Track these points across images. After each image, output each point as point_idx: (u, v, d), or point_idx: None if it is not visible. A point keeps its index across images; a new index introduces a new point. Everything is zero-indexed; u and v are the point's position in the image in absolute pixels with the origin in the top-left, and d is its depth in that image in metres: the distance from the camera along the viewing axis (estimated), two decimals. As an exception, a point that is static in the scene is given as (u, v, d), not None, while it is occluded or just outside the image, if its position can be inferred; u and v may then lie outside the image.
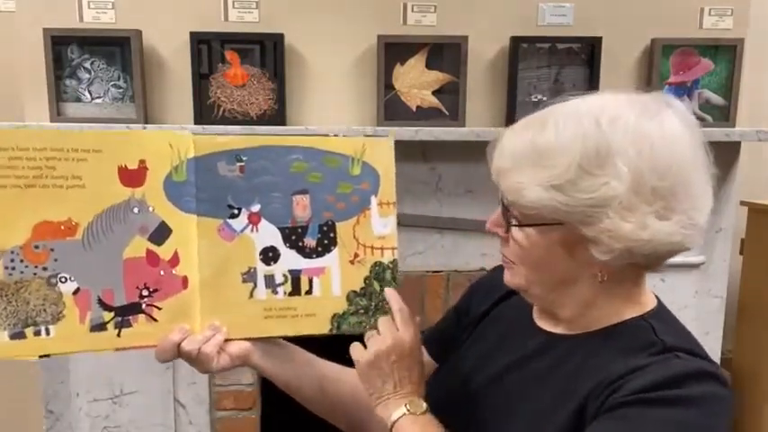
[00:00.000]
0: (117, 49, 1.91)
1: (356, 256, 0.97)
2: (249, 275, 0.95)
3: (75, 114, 1.91)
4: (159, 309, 0.93)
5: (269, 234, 0.95)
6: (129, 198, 0.91)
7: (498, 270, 1.02)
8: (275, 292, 0.96)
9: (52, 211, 0.88)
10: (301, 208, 0.95)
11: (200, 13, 1.94)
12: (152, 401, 2.07)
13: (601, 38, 2.00)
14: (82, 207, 0.89)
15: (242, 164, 0.93)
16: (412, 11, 1.99)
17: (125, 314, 0.92)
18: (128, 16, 1.92)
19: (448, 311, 1.11)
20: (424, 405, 0.87)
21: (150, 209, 0.91)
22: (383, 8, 1.99)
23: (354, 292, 0.97)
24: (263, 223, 0.95)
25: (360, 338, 0.93)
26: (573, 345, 0.85)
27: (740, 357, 2.47)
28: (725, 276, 2.21)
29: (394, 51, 1.95)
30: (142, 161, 0.91)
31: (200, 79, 1.92)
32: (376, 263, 0.97)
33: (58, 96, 1.90)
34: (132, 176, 0.91)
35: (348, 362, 0.94)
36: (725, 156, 2.02)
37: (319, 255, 0.96)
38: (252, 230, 0.95)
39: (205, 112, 1.92)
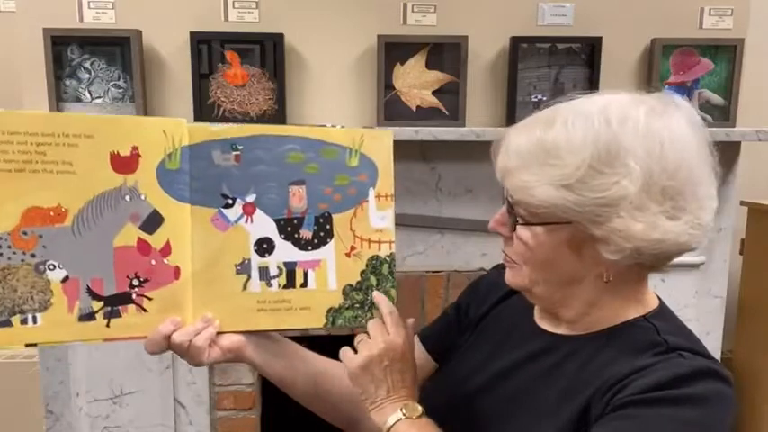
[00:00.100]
0: (117, 49, 1.91)
1: (353, 249, 0.95)
2: (243, 267, 0.93)
3: (75, 114, 1.91)
4: (150, 299, 0.90)
5: (264, 225, 0.93)
6: (121, 185, 0.89)
7: (498, 269, 1.02)
8: (269, 285, 0.94)
9: (42, 196, 0.86)
10: (297, 199, 0.94)
11: (200, 13, 1.94)
12: (152, 401, 2.08)
13: (601, 38, 2.00)
14: (72, 193, 0.87)
15: (237, 153, 0.91)
16: (412, 11, 1.99)
17: (114, 304, 0.90)
18: (128, 16, 1.92)
19: (447, 308, 1.10)
20: (420, 408, 0.86)
21: (142, 197, 0.89)
22: (383, 8, 1.99)
23: (350, 285, 0.96)
24: (258, 214, 0.93)
25: (349, 341, 0.91)
26: (576, 345, 0.85)
27: (740, 357, 2.47)
28: (725, 276, 2.21)
29: (394, 51, 1.95)
30: (135, 148, 0.88)
31: (200, 79, 1.93)
32: (373, 256, 0.96)
33: (58, 96, 1.90)
34: (124, 163, 0.88)
35: (329, 348, 0.93)
36: (725, 156, 2.00)
37: (315, 247, 0.95)
38: (246, 221, 0.93)
39: (205, 112, 1.92)
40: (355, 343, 0.90)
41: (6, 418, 2.34)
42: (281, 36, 1.92)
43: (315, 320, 0.95)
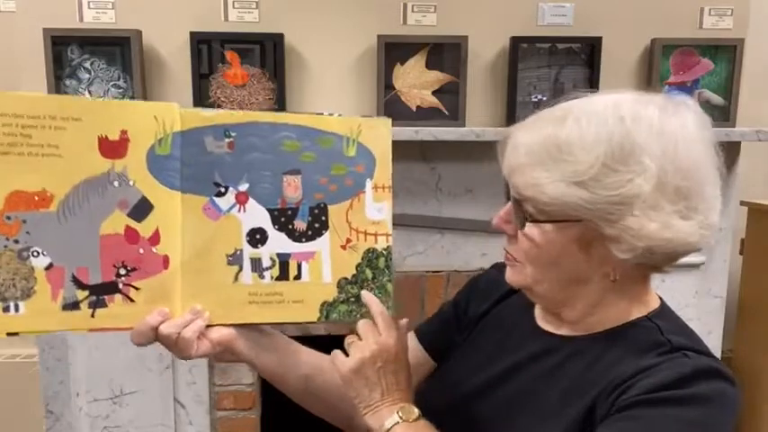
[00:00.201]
0: (117, 49, 1.91)
1: (348, 241, 0.93)
2: (234, 258, 0.90)
3: (75, 114, 1.91)
4: (137, 289, 0.87)
5: (257, 215, 0.90)
6: (109, 170, 0.85)
7: (498, 268, 1.01)
8: (262, 277, 0.91)
9: (26, 180, 0.83)
10: (292, 189, 0.91)
11: (200, 13, 1.94)
12: (152, 401, 2.07)
13: (601, 38, 2.00)
14: (58, 177, 0.84)
15: (231, 140, 0.88)
16: (412, 11, 1.99)
17: (100, 293, 0.86)
18: (128, 16, 1.92)
19: (444, 305, 1.08)
20: (417, 411, 0.84)
21: (131, 183, 0.86)
22: (383, 8, 1.99)
23: (345, 279, 0.93)
24: (251, 203, 0.90)
25: (339, 344, 0.90)
26: (578, 346, 0.85)
27: (740, 357, 2.47)
28: (725, 276, 2.21)
29: (394, 51, 1.95)
30: (124, 132, 0.85)
31: (200, 79, 1.93)
32: (369, 249, 0.93)
33: (58, 96, 1.90)
34: (113, 147, 0.85)
35: (329, 348, 0.91)
36: (725, 156, 2.02)
37: (309, 239, 0.92)
38: (239, 210, 0.90)
39: (205, 112, 1.92)
40: (346, 345, 0.88)
41: (6, 418, 2.34)
42: (281, 36, 1.92)
43: (308, 314, 0.93)
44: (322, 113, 0.94)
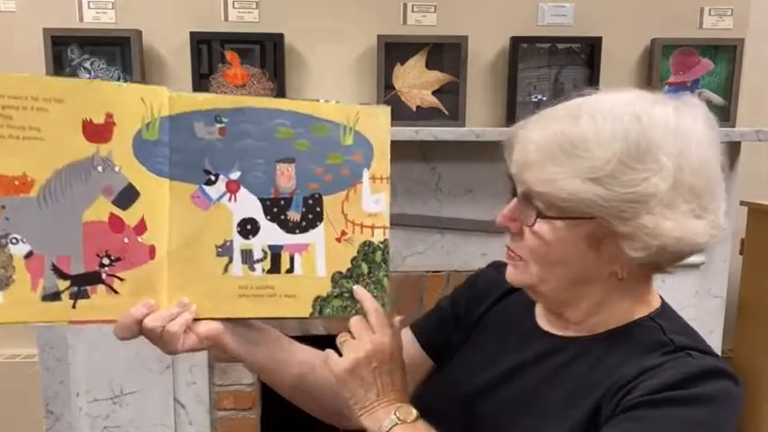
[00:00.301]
0: (117, 49, 1.91)
1: (344, 233, 0.89)
2: (224, 249, 0.86)
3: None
4: (121, 280, 0.83)
5: (248, 204, 0.86)
6: (94, 155, 0.81)
7: (496, 268, 1.01)
8: (252, 269, 0.87)
9: (6, 164, 0.78)
10: (286, 178, 0.87)
11: (200, 13, 1.94)
12: (152, 401, 2.07)
13: (601, 38, 2.00)
14: (39, 161, 0.79)
15: (222, 125, 0.84)
16: (412, 11, 1.99)
17: (82, 284, 0.82)
18: (128, 16, 1.92)
19: (441, 302, 1.06)
20: (414, 411, 0.82)
21: (116, 168, 0.82)
22: (383, 8, 1.99)
23: (340, 273, 0.89)
24: (243, 192, 0.86)
25: (331, 343, 0.88)
26: (581, 347, 0.84)
27: (740, 357, 2.47)
28: (725, 276, 2.21)
29: (394, 51, 1.95)
30: (109, 115, 0.81)
31: (201, 79, 1.93)
32: (365, 242, 0.89)
33: (58, 96, 1.90)
34: (98, 131, 0.81)
35: (328, 347, 0.89)
36: (725, 156, 2.02)
37: (303, 230, 0.88)
38: (230, 199, 0.86)
39: (205, 112, 1.92)
40: (338, 344, 0.86)
41: (6, 418, 2.34)
42: (281, 36, 1.92)
43: (300, 309, 0.89)
44: (318, 100, 0.91)
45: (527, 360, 0.88)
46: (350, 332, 0.86)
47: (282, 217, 0.88)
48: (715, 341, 2.16)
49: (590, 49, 2.01)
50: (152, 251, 0.85)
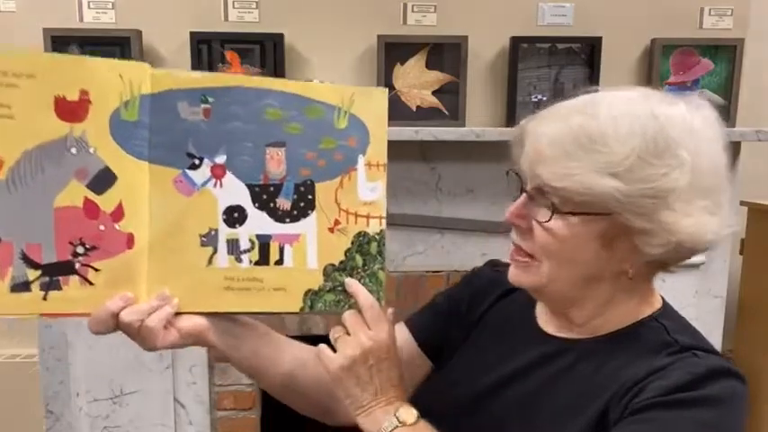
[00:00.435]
0: (117, 49, 1.91)
1: (337, 223, 0.83)
2: (209, 238, 0.81)
3: (76, 114, 1.91)
4: (97, 270, 0.78)
5: (235, 191, 0.81)
6: (67, 135, 0.75)
7: (492, 266, 1.00)
8: (239, 260, 0.82)
9: None
10: (275, 163, 0.81)
11: (200, 13, 1.94)
12: (152, 401, 2.07)
13: (601, 38, 2.00)
14: (8, 141, 0.74)
15: (207, 106, 0.79)
16: (412, 11, 1.99)
17: (54, 274, 0.76)
18: (128, 16, 1.92)
19: (437, 297, 1.03)
20: (415, 412, 0.80)
21: (91, 150, 0.76)
22: (383, 8, 1.99)
23: (333, 265, 0.83)
24: (229, 178, 0.80)
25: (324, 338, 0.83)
26: (585, 349, 0.83)
27: (740, 357, 2.47)
28: (725, 276, 2.21)
29: (394, 51, 1.95)
30: (84, 92, 0.75)
31: (201, 79, 1.92)
32: (360, 233, 0.84)
33: (58, 96, 1.90)
34: (71, 109, 0.75)
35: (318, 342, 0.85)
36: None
37: (294, 219, 0.83)
38: (215, 185, 0.80)
39: (205, 112, 1.92)
40: (332, 339, 0.82)
41: (6, 418, 2.34)
42: (281, 36, 1.92)
43: (290, 304, 0.83)
44: (311, 80, 0.86)
45: (529, 364, 0.86)
46: (344, 327, 0.82)
47: (272, 205, 0.82)
48: (715, 341, 2.16)
49: (590, 49, 2.01)
50: (130, 240, 0.79)
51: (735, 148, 2.07)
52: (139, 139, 0.78)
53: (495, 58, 2.04)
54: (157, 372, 2.05)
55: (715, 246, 0.79)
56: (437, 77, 1.99)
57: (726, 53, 2.04)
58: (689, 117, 0.76)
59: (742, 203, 2.37)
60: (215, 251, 0.81)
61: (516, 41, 1.98)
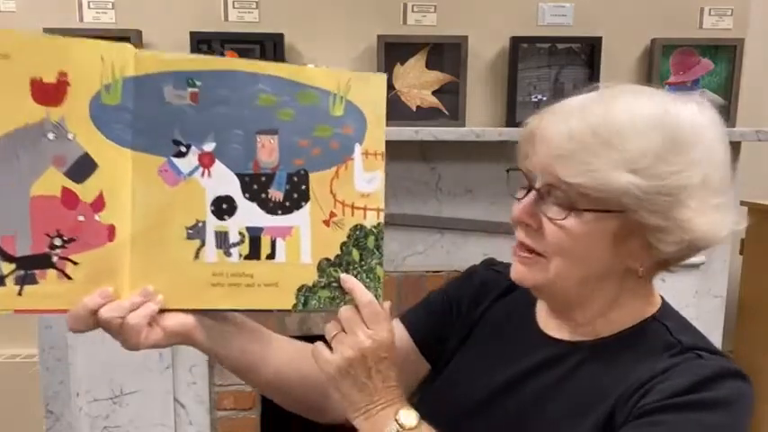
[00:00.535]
0: (117, 49, 1.91)
1: (332, 215, 0.79)
2: (196, 231, 0.76)
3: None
4: (75, 264, 0.73)
5: (224, 180, 0.77)
6: (44, 119, 0.71)
7: (489, 265, 1.00)
8: (228, 254, 0.77)
9: None
10: (267, 151, 0.77)
11: (200, 13, 1.94)
12: (152, 401, 2.07)
13: (601, 38, 2.00)
14: None
15: (195, 90, 0.74)
16: (412, 11, 1.99)
17: (30, 267, 0.72)
18: (128, 16, 1.92)
19: (432, 294, 1.01)
20: (416, 415, 0.77)
21: (70, 136, 0.72)
22: (383, 8, 1.99)
23: (328, 260, 0.79)
24: (218, 167, 0.76)
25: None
26: (588, 352, 0.83)
27: (740, 357, 2.47)
28: (725, 276, 2.22)
29: (394, 51, 1.95)
30: (63, 74, 0.71)
31: (201, 79, 1.92)
32: (356, 226, 0.80)
33: (58, 96, 1.90)
34: (49, 92, 0.71)
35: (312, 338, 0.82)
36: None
37: (286, 211, 0.78)
38: (203, 174, 0.76)
39: (205, 112, 1.93)
40: (328, 337, 0.78)
41: (6, 418, 2.34)
42: (281, 36, 1.92)
43: (282, 300, 0.79)
44: (305, 65, 0.80)
45: (532, 367, 0.85)
46: (340, 324, 0.78)
47: (263, 195, 0.78)
48: (715, 341, 2.16)
49: (590, 49, 2.01)
50: (111, 232, 0.74)
51: (735, 148, 2.07)
52: (122, 125, 0.73)
53: (495, 58, 2.04)
54: (157, 372, 2.05)
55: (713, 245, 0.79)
56: (437, 77, 1.99)
57: (726, 53, 2.04)
58: (699, 116, 0.77)
59: (742, 203, 2.36)
60: (202, 244, 0.77)
61: (516, 41, 1.98)
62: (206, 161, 0.76)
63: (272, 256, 0.79)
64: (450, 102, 1.99)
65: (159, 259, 0.76)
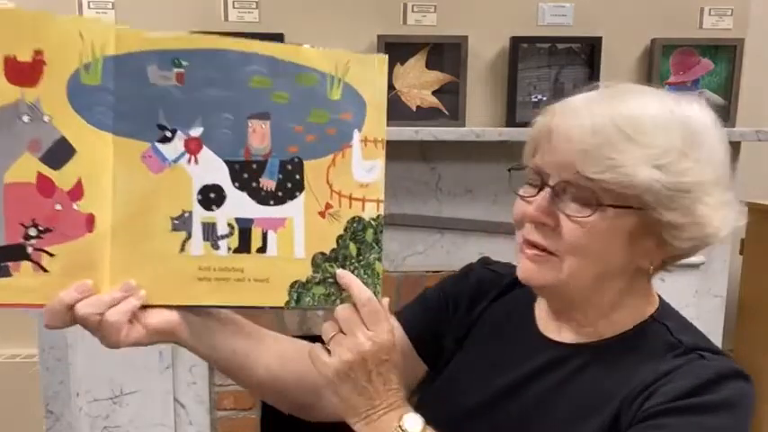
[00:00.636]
0: (117, 49, 1.91)
1: (328, 207, 0.74)
2: (181, 222, 0.71)
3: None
4: (51, 256, 0.69)
5: (212, 168, 0.71)
6: (18, 101, 0.66)
7: (486, 265, 1.00)
8: (215, 247, 0.72)
9: None
10: (259, 137, 0.72)
11: (200, 13, 1.94)
12: (152, 401, 2.07)
13: (601, 38, 2.00)
14: None
15: (181, 70, 0.69)
16: (412, 11, 1.99)
17: (3, 259, 0.68)
18: (128, 17, 1.92)
19: (427, 291, 0.99)
20: (420, 419, 0.74)
21: (46, 118, 0.67)
22: (383, 8, 1.99)
23: (323, 254, 0.75)
24: (206, 153, 0.71)
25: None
26: (590, 355, 0.82)
27: (740, 357, 2.47)
28: (725, 276, 2.22)
29: (394, 51, 1.95)
30: (38, 52, 0.66)
31: (201, 79, 1.92)
32: (354, 218, 0.75)
33: (58, 96, 1.90)
34: (23, 72, 0.66)
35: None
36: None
37: (279, 201, 0.73)
38: (189, 161, 0.71)
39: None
40: (326, 338, 0.74)
41: (6, 418, 2.34)
42: (281, 36, 1.92)
43: (274, 297, 0.74)
44: (301, 45, 0.75)
45: (533, 371, 0.84)
46: (337, 323, 0.74)
47: (254, 185, 0.73)
48: (715, 341, 2.14)
49: (590, 49, 2.01)
50: (90, 221, 0.70)
51: (735, 148, 2.07)
52: (103, 107, 0.68)
53: (495, 58, 2.04)
54: (157, 372, 2.05)
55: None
56: (437, 77, 1.99)
57: (726, 53, 2.04)
58: (707, 114, 0.78)
59: (742, 203, 2.37)
60: (188, 236, 0.72)
61: (516, 41, 1.98)
62: (193, 147, 0.71)
63: (262, 249, 0.74)
64: (450, 102, 1.99)
65: (142, 252, 0.71)
